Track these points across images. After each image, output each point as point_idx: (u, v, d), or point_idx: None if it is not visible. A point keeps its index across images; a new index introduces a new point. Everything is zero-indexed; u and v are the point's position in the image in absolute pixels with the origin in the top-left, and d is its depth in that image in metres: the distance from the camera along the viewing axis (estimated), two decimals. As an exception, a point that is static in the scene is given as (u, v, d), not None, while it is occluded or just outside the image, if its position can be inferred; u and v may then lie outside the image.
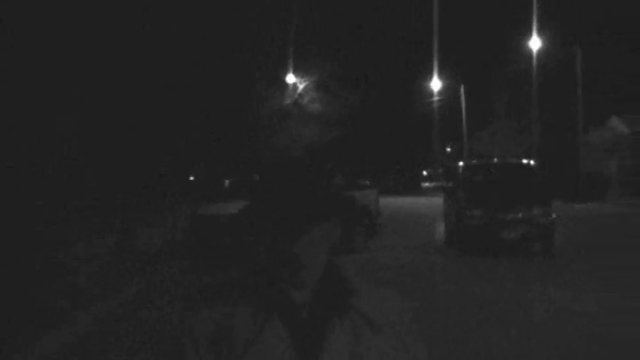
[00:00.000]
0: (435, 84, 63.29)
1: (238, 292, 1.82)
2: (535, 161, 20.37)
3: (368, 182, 29.02)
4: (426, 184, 63.79)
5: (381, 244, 20.60)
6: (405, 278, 14.44)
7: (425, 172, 67.91)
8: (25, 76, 16.25)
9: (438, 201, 31.12)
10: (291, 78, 47.13)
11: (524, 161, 21.32)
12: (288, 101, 45.50)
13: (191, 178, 37.61)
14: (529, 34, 46.79)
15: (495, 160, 23.88)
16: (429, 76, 63.43)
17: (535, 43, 46.25)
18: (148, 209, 22.43)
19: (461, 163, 20.92)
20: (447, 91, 62.92)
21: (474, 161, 23.28)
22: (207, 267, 15.61)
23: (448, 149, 70.70)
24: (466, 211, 17.72)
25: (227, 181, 36.20)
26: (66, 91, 17.84)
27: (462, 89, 61.22)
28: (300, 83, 47.65)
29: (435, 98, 63.32)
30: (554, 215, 17.68)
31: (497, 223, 17.34)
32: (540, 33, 46.38)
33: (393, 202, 45.16)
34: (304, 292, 1.78)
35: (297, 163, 1.83)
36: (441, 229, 23.39)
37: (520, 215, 17.36)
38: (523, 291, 12.59)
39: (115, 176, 20.40)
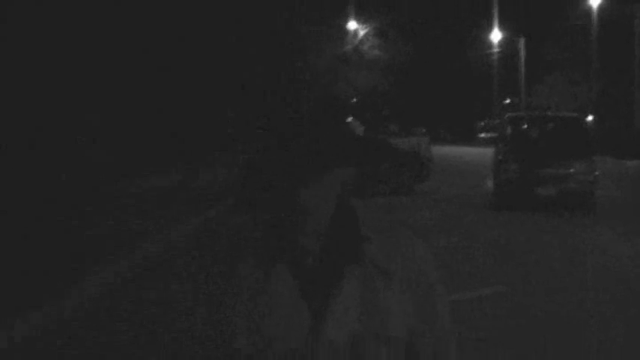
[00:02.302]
0: (495, 35, 63.43)
1: (244, 240, 1.80)
2: (591, 115, 19.38)
3: (424, 130, 29.79)
4: (482, 135, 64.11)
5: (430, 188, 21.62)
6: (443, 220, 15.57)
7: (482, 123, 68.15)
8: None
9: (492, 152, 31.64)
10: (352, 24, 47.73)
11: (573, 115, 21.12)
12: (348, 47, 46.08)
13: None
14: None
15: (544, 113, 23.35)
16: (489, 28, 63.55)
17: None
18: (211, 151, 23.59)
19: (507, 115, 20.63)
20: (507, 43, 62.99)
21: (521, 113, 23.03)
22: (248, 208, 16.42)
23: (507, 101, 70.69)
24: (503, 164, 17.33)
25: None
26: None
27: (521, 42, 61.10)
28: (361, 30, 48.14)
29: (495, 50, 63.49)
30: (597, 172, 16.94)
31: (532, 178, 16.72)
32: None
33: (448, 151, 45.97)
34: (311, 239, 1.69)
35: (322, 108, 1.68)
36: (489, 179, 24.14)
37: (558, 171, 16.65)
38: (555, 240, 13.17)
39: (180, 122, 21.58)
